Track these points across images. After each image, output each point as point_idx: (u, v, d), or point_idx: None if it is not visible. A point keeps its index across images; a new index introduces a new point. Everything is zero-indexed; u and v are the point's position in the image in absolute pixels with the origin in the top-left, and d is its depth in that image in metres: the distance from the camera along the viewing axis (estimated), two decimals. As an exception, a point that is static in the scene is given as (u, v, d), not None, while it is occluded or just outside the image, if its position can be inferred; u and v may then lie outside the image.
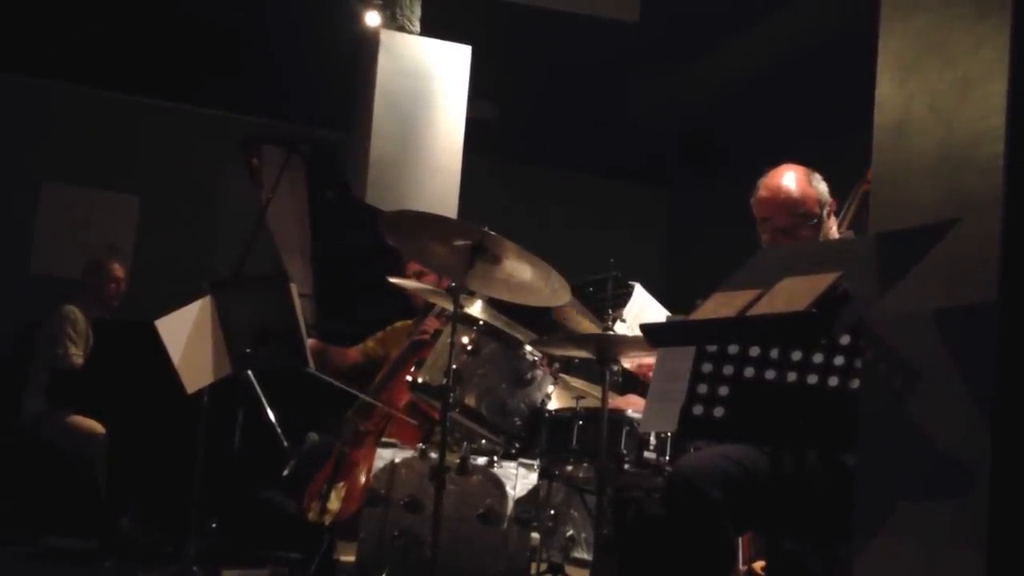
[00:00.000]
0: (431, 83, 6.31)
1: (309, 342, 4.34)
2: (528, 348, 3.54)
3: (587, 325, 3.88)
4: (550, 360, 3.60)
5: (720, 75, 7.07)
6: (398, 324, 4.78)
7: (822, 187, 3.00)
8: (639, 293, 3.93)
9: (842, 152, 3.47)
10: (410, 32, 6.44)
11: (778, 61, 6.58)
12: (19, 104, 7.56)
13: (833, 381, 1.97)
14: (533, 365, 3.52)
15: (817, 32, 6.12)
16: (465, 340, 3.46)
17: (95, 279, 5.89)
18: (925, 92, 1.87)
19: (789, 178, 2.97)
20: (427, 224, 3.45)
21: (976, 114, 1.76)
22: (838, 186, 3.15)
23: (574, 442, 3.34)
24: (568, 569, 3.84)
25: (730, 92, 7.13)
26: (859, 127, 2.17)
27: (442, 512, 3.13)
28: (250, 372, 4.15)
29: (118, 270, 5.96)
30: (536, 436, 3.47)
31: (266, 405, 4.21)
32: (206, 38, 6.99)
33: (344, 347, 4.80)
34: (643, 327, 2.05)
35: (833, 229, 3.04)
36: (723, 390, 2.05)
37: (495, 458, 3.55)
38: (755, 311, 1.88)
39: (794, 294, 1.87)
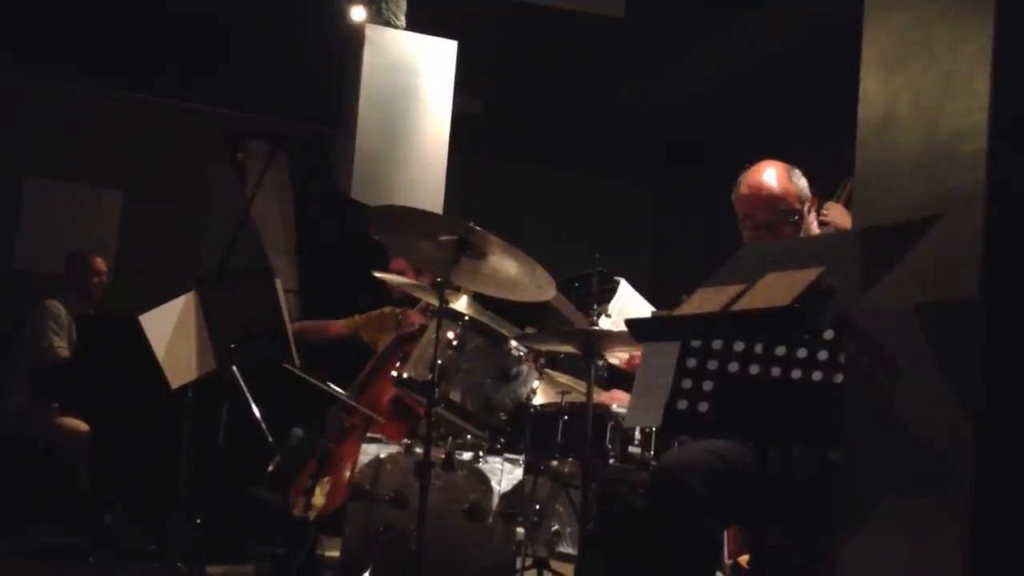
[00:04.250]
0: (417, 78, 6.30)
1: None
2: (513, 343, 3.54)
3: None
4: (535, 355, 3.60)
5: (707, 71, 7.08)
6: (387, 309, 4.78)
7: (802, 183, 3.01)
8: (624, 288, 3.94)
9: (827, 149, 3.48)
10: (395, 27, 6.43)
11: (764, 58, 6.60)
12: (1, 99, 7.51)
13: (817, 376, 1.98)
14: (518, 360, 3.53)
15: (803, 29, 6.14)
16: (450, 335, 3.46)
17: (77, 274, 5.87)
18: (909, 88, 1.88)
19: (770, 174, 2.98)
20: (412, 219, 3.44)
21: (959, 110, 1.77)
22: (823, 183, 3.17)
23: (559, 437, 3.35)
24: (553, 563, 3.84)
25: (717, 88, 7.14)
26: (844, 124, 2.18)
27: (427, 507, 3.13)
28: (235, 368, 4.14)
29: (100, 264, 5.94)
30: (521, 431, 3.47)
31: (251, 401, 4.20)
32: (191, 32, 6.96)
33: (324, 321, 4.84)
34: (628, 322, 2.05)
35: (814, 225, 3.05)
36: (707, 385, 2.05)
37: (480, 453, 3.55)
38: (739, 306, 1.88)
39: (778, 289, 1.87)
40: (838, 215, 3.60)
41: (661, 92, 7.54)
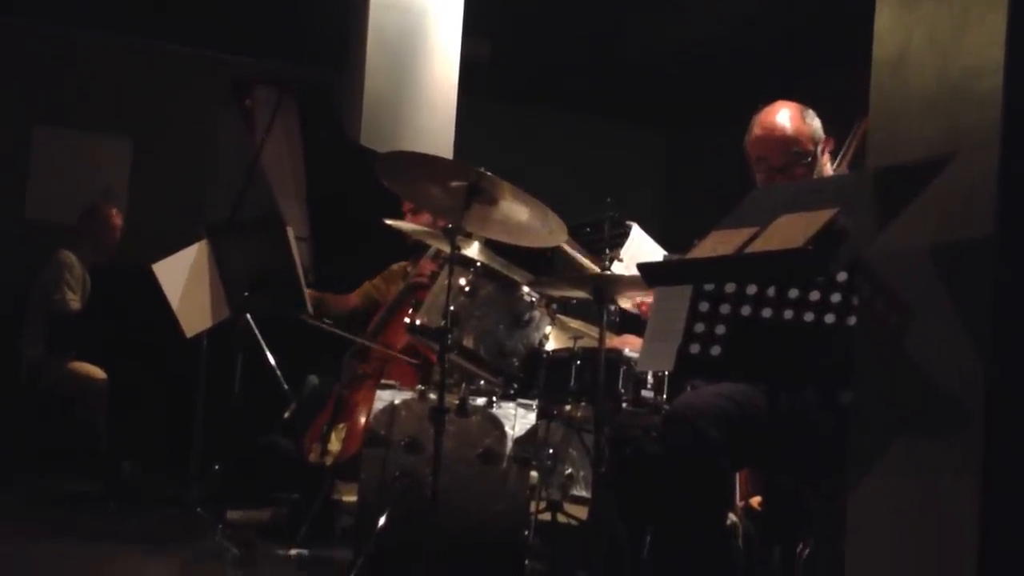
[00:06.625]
0: (425, 18, 6.22)
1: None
2: (525, 289, 3.54)
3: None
4: (547, 300, 3.60)
5: (719, 11, 6.98)
6: (394, 266, 4.78)
7: (816, 124, 2.98)
8: (636, 233, 3.93)
9: (843, 90, 3.44)
10: (402, -33, 6.34)
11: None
12: (9, 47, 7.46)
13: (830, 318, 1.97)
14: (531, 306, 3.53)
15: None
16: (462, 282, 3.45)
17: (92, 225, 5.89)
18: (924, 25, 1.84)
19: (783, 115, 2.96)
20: (422, 165, 3.42)
21: (975, 47, 1.74)
22: (837, 123, 3.13)
23: (572, 382, 3.36)
24: (567, 507, 3.88)
25: (730, 29, 7.04)
26: (859, 64, 2.15)
27: (442, 452, 3.15)
28: (249, 316, 4.16)
29: (116, 216, 5.96)
30: (534, 376, 3.48)
31: (266, 349, 4.22)
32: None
33: (342, 293, 4.80)
34: (640, 266, 2.04)
35: (828, 167, 3.03)
36: (720, 329, 2.05)
37: (494, 399, 3.57)
38: (752, 249, 1.87)
39: (791, 231, 1.86)
40: None
41: (673, 33, 7.44)
